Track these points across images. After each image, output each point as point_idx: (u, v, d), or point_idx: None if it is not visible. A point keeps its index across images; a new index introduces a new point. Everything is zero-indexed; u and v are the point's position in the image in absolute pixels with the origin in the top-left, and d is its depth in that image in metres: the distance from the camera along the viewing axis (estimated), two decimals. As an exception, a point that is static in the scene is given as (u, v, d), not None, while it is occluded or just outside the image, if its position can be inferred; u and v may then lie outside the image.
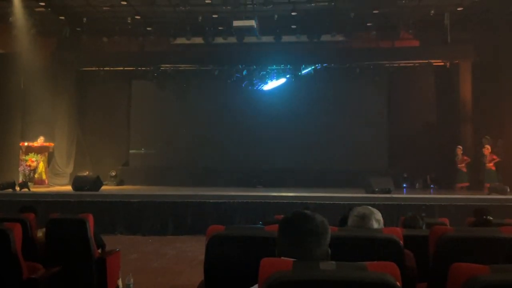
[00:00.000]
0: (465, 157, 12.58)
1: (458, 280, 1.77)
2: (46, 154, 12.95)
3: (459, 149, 12.79)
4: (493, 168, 11.99)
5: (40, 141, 12.78)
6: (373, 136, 14.16)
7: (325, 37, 13.43)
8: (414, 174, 13.47)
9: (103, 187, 11.74)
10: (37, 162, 12.61)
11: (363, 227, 3.08)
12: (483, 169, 12.10)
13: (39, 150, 12.73)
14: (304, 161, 14.24)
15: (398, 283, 1.64)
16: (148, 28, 13.62)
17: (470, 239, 2.85)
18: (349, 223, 3.16)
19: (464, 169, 12.62)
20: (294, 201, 9.55)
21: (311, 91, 14.33)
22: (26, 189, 11.02)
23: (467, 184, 12.55)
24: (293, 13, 12.29)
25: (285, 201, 9.63)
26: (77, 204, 9.71)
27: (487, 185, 11.52)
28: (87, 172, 13.72)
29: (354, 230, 3.04)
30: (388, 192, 10.35)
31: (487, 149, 12.02)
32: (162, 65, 14.58)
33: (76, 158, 14.43)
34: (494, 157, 11.98)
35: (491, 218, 4.45)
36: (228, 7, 11.80)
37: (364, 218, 3.10)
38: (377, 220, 3.09)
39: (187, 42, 13.79)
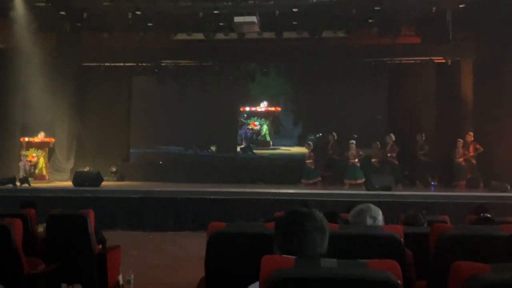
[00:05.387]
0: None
1: (459, 278, 1.76)
2: (47, 149, 12.93)
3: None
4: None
5: (40, 137, 12.77)
6: (374, 132, 14.13)
7: (326, 34, 13.37)
8: (414, 171, 13.45)
9: (104, 183, 11.73)
10: (38, 158, 12.61)
11: (358, 222, 3.11)
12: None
13: (40, 146, 12.72)
14: (304, 157, 14.21)
15: (399, 281, 1.65)
16: (149, 24, 13.54)
17: (471, 237, 2.85)
18: (348, 218, 3.20)
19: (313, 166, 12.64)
20: (294, 198, 9.55)
21: (311, 87, 14.29)
22: (26, 185, 11.03)
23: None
24: (294, 9, 12.24)
25: (285, 198, 9.63)
26: (78, 199, 9.71)
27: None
28: (88, 168, 13.71)
29: (354, 227, 3.05)
30: (389, 189, 10.35)
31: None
32: (163, 61, 14.55)
33: (77, 154, 14.40)
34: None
35: (489, 215, 4.43)
36: (229, 3, 11.76)
37: (360, 214, 3.13)
38: (372, 217, 3.10)
39: (187, 38, 13.73)
